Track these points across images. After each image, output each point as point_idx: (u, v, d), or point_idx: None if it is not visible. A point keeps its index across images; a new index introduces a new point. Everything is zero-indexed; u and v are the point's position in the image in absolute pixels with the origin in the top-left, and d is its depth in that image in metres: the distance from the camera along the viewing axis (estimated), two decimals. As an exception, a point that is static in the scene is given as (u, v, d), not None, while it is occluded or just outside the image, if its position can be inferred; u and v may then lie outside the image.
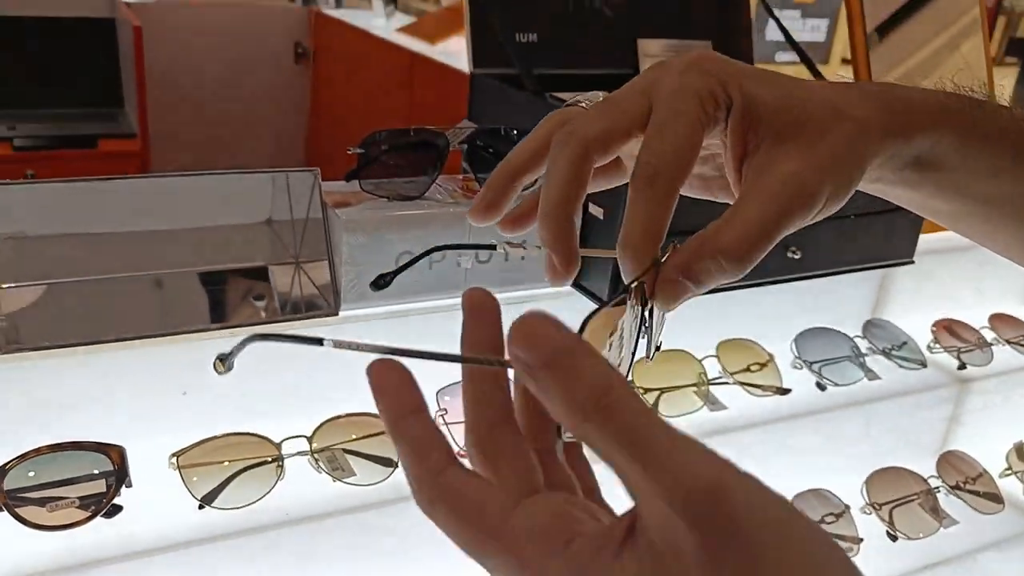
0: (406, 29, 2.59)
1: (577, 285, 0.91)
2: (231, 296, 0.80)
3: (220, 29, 2.94)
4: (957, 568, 0.99)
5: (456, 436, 0.81)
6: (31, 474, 0.67)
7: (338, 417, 0.78)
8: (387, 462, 0.77)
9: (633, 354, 0.37)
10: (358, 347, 0.30)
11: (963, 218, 0.43)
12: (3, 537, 0.65)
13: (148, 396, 0.75)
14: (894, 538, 0.97)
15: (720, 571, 0.23)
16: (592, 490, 0.33)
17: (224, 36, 2.93)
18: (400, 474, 0.77)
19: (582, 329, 0.31)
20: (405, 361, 0.30)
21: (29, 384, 0.71)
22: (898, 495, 1.00)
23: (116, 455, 0.68)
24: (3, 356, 0.68)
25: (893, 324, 1.12)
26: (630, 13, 1.15)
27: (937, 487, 1.03)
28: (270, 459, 0.74)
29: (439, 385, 0.82)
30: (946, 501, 1.02)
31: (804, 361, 1.02)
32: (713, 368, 0.97)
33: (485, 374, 0.31)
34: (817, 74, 1.17)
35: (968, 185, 0.41)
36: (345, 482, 0.75)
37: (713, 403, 0.95)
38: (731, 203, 0.37)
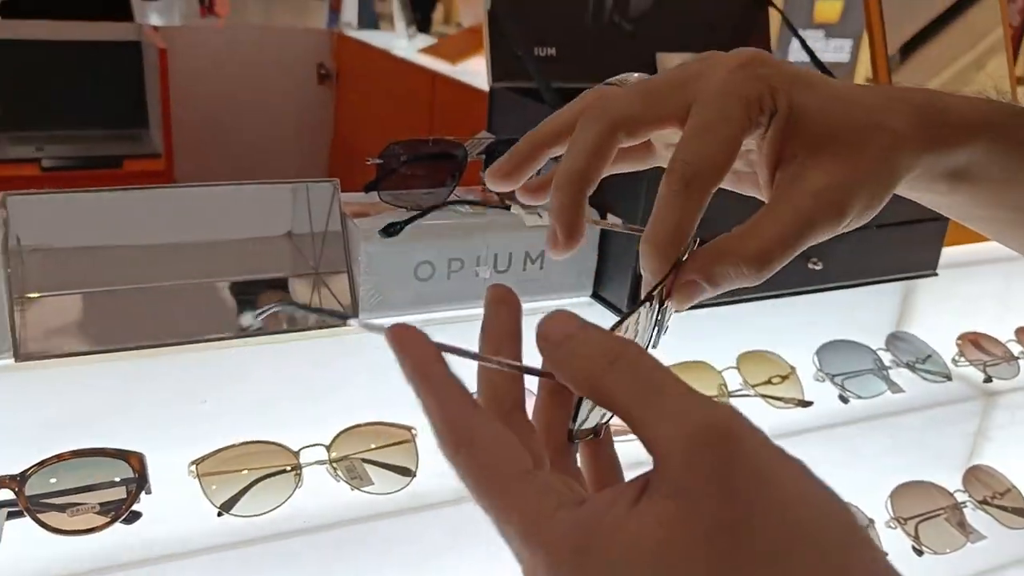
0: (427, 50, 2.61)
1: (596, 296, 0.91)
2: (251, 306, 0.80)
3: (244, 51, 2.98)
4: (985, 584, 0.97)
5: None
6: (52, 480, 0.67)
7: (356, 426, 0.78)
8: (405, 471, 0.77)
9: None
10: (379, 328, 0.30)
11: (1001, 226, 0.43)
12: (25, 541, 0.65)
13: (168, 404, 0.75)
14: (920, 553, 0.95)
15: (734, 504, 0.24)
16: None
17: (248, 58, 2.97)
18: (418, 484, 0.77)
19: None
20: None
21: (52, 391, 0.71)
22: (924, 510, 0.98)
23: (136, 462, 0.69)
24: (28, 363, 0.69)
25: (917, 337, 1.10)
26: (649, 27, 1.16)
27: (964, 502, 1.01)
28: (288, 468, 0.74)
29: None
30: (973, 516, 1.01)
31: (826, 374, 1.01)
32: (734, 380, 0.96)
33: (503, 373, 0.32)
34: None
35: (1006, 194, 0.40)
36: (363, 491, 0.75)
37: (734, 415, 0.94)
38: (758, 198, 0.37)
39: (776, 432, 0.94)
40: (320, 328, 0.79)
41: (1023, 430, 1.12)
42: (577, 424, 0.31)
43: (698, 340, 0.94)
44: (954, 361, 1.10)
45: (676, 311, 0.37)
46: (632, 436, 0.28)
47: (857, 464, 1.00)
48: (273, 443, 0.75)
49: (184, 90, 2.72)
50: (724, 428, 0.25)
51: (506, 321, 0.32)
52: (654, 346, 0.38)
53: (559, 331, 0.29)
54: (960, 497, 1.01)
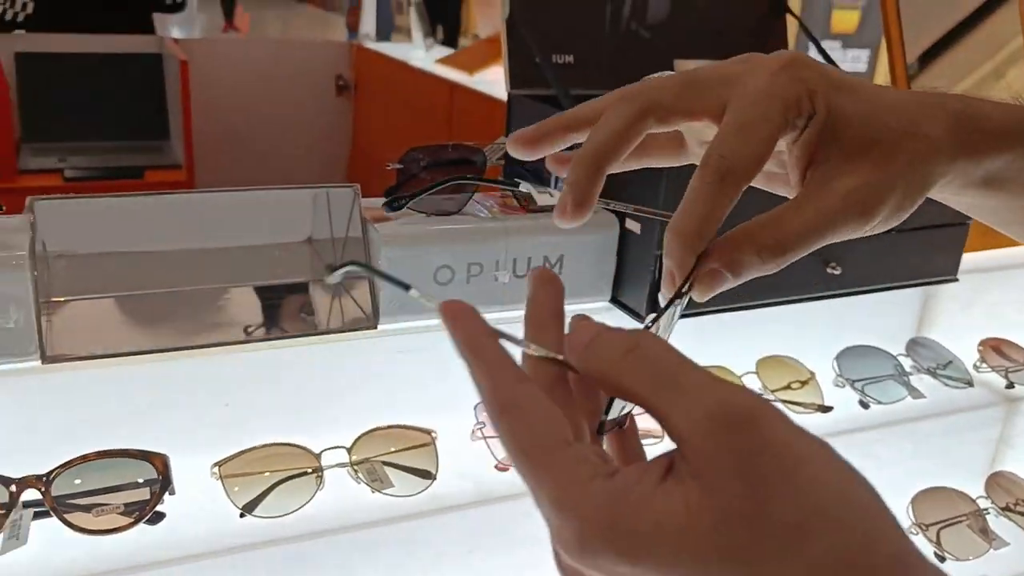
0: (445, 60, 2.62)
1: (615, 300, 0.91)
2: (272, 310, 0.81)
3: (263, 63, 3.00)
4: (1008, 592, 0.97)
5: (495, 450, 0.82)
6: (77, 481, 0.68)
7: (377, 429, 0.79)
8: (425, 474, 0.78)
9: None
10: (431, 299, 0.32)
11: None
12: (50, 541, 0.66)
13: (191, 406, 0.76)
14: (942, 559, 0.94)
15: (757, 487, 0.25)
16: None
17: (267, 70, 3.00)
18: (438, 486, 0.77)
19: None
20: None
21: (77, 393, 0.72)
22: (946, 516, 0.97)
23: (160, 463, 0.70)
24: (54, 365, 0.70)
25: (937, 342, 1.10)
26: (667, 35, 1.16)
27: (986, 508, 1.00)
28: (310, 470, 0.75)
29: (478, 398, 0.82)
30: (996, 522, 1.00)
31: (846, 379, 1.01)
32: (753, 385, 0.96)
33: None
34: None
35: None
36: (384, 493, 0.75)
37: (753, 420, 0.94)
38: (788, 197, 0.37)
39: (796, 437, 0.94)
40: (341, 331, 0.80)
41: (1046, 436, 1.11)
42: (609, 416, 0.32)
43: (718, 345, 0.94)
44: (975, 367, 1.09)
45: (698, 301, 0.37)
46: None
47: (878, 470, 0.98)
48: (295, 445, 0.75)
49: (204, 102, 2.75)
50: (746, 411, 0.26)
51: (550, 302, 0.33)
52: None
53: (582, 337, 0.31)
54: (982, 503, 1.00)
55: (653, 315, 0.34)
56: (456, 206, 0.86)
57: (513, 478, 0.80)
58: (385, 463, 0.77)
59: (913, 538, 0.96)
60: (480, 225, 0.84)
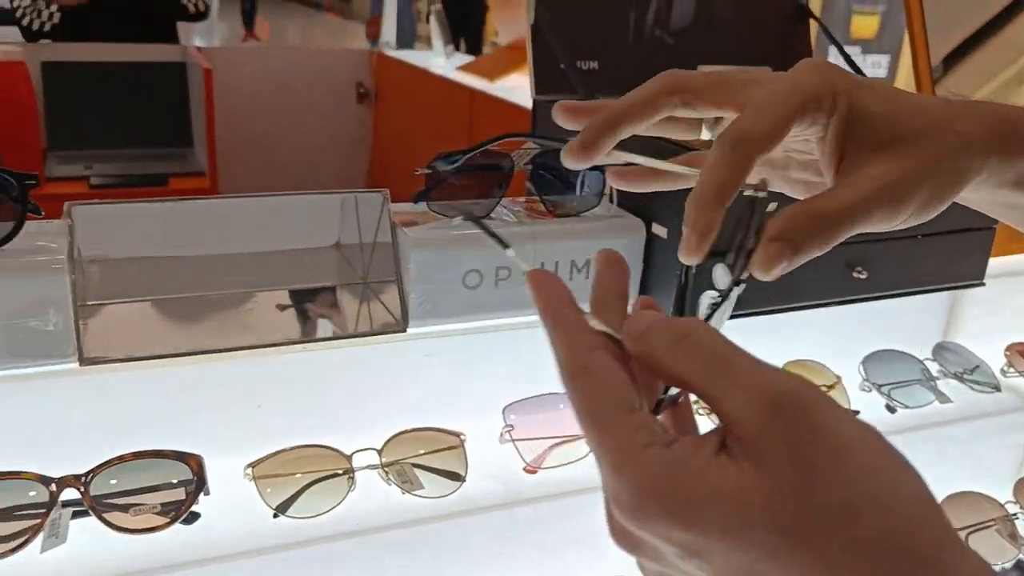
0: (466, 68, 2.64)
1: (641, 304, 0.91)
2: (302, 314, 0.82)
3: (285, 71, 3.03)
4: (1038, 598, 0.96)
5: (524, 453, 0.82)
6: (113, 481, 0.69)
7: (407, 431, 0.80)
8: (455, 476, 0.78)
9: None
10: (524, 264, 0.34)
11: None
12: (87, 539, 0.67)
13: (224, 408, 0.77)
14: (970, 565, 0.94)
15: (809, 468, 0.26)
16: None
17: (288, 78, 3.02)
18: (467, 488, 0.78)
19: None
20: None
21: (113, 395, 0.73)
22: (973, 521, 0.97)
23: (195, 464, 0.70)
24: (89, 368, 0.71)
25: (964, 347, 1.09)
26: (690, 40, 1.17)
27: (1015, 513, 1.00)
28: (341, 471, 0.75)
29: (507, 401, 0.83)
30: (1024, 528, 0.99)
31: (873, 383, 1.01)
32: (779, 389, 0.96)
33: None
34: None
35: None
36: (414, 495, 0.76)
37: (780, 424, 0.94)
38: None
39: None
40: (370, 335, 0.81)
41: (1074, 442, 1.11)
42: (666, 396, 0.34)
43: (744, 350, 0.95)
44: (1003, 371, 1.09)
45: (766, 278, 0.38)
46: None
47: (905, 475, 0.99)
48: (326, 447, 0.76)
49: (226, 109, 2.77)
50: (796, 397, 0.27)
51: (615, 283, 0.34)
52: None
53: (638, 325, 0.32)
54: (1011, 508, 1.00)
55: (710, 303, 0.35)
56: (484, 211, 0.87)
57: (542, 480, 0.81)
58: (415, 465, 0.78)
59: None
60: (508, 229, 0.85)
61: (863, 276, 0.95)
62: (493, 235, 0.34)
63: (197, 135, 2.61)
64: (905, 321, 1.08)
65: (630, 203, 0.92)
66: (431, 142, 2.72)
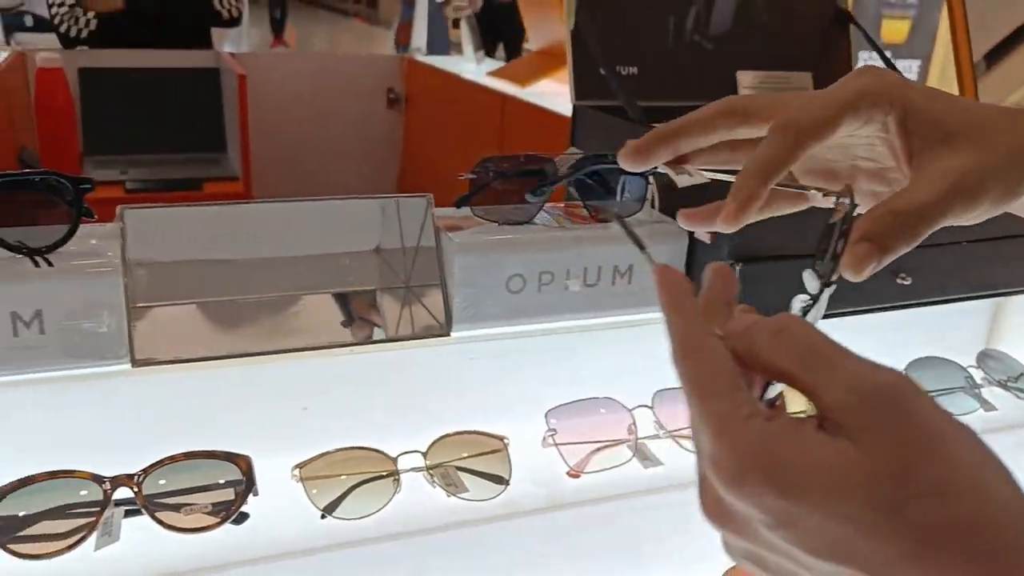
0: (496, 73, 2.65)
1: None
2: (346, 317, 0.83)
3: (317, 77, 3.05)
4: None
5: (567, 457, 0.82)
6: (162, 481, 0.70)
7: (451, 435, 0.80)
8: (498, 479, 0.78)
9: None
10: (653, 261, 0.35)
11: None
12: (140, 538, 0.68)
13: (270, 410, 0.78)
14: (1016, 575, 0.93)
15: (906, 454, 0.27)
16: None
17: (320, 83, 3.05)
18: (511, 492, 0.78)
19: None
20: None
21: (164, 396, 0.74)
22: (1019, 530, 0.96)
23: (244, 464, 0.71)
24: (139, 369, 0.72)
25: (1008, 355, 1.08)
26: (729, 45, 1.16)
27: (1061, 523, 0.98)
28: (386, 473, 0.76)
29: (549, 405, 0.83)
30: (1071, 539, 0.98)
31: (915, 391, 1.00)
32: (821, 395, 0.95)
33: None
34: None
35: None
36: (459, 497, 0.76)
37: (822, 431, 0.93)
38: None
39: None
40: (414, 339, 0.81)
41: (1121, 452, 1.09)
42: (767, 395, 0.34)
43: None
44: (1048, 380, 1.08)
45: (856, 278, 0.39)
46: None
47: (948, 483, 0.98)
48: (372, 449, 0.76)
49: (258, 115, 2.80)
50: (896, 388, 0.28)
51: (723, 291, 0.36)
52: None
53: (739, 325, 0.33)
54: (1057, 519, 0.98)
55: (801, 307, 0.37)
56: (526, 216, 0.87)
57: (584, 485, 0.81)
58: (459, 468, 0.78)
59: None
60: (551, 234, 0.85)
61: (907, 282, 0.94)
62: (632, 235, 0.36)
63: (231, 140, 2.64)
64: (949, 328, 1.07)
65: (672, 209, 0.92)
66: (462, 147, 2.73)
